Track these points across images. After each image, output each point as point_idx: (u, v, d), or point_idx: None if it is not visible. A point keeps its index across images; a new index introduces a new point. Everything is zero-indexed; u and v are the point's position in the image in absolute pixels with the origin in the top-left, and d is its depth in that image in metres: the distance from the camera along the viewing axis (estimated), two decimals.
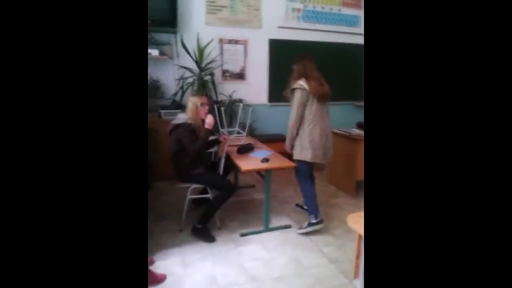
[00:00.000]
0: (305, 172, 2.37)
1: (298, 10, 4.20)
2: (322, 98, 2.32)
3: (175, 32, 3.59)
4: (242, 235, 2.35)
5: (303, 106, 2.29)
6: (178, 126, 2.25)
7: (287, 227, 2.50)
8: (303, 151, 2.33)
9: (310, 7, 4.24)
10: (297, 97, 2.29)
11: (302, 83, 2.31)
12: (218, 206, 2.32)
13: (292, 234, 2.40)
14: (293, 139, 2.38)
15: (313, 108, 2.30)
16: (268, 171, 2.36)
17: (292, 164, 2.45)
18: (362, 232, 1.26)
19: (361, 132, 3.24)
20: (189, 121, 2.25)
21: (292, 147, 2.40)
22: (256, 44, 4.08)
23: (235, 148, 2.66)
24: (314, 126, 2.31)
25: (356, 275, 1.44)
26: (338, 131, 3.33)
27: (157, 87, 3.61)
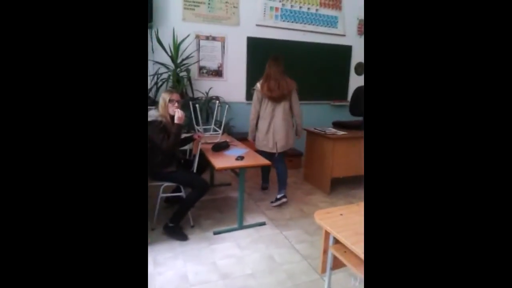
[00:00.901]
0: (266, 157, 2.63)
1: (276, 9, 4.22)
2: (273, 99, 2.78)
3: (150, 27, 3.51)
4: (216, 233, 2.33)
5: (259, 104, 2.84)
6: (149, 123, 2.20)
7: (262, 224, 2.51)
8: (257, 142, 2.94)
9: (288, 6, 4.26)
10: (254, 97, 2.89)
11: (258, 84, 2.83)
12: (192, 204, 2.29)
13: (266, 232, 2.41)
14: (253, 131, 2.95)
15: (265, 106, 2.82)
16: (242, 169, 2.36)
17: (267, 162, 2.46)
18: (328, 227, 1.28)
19: (336, 131, 3.30)
20: (160, 118, 2.21)
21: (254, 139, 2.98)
22: (234, 41, 4.06)
23: (210, 146, 2.63)
24: (265, 121, 2.83)
25: (323, 271, 1.46)
26: (314, 130, 3.38)
27: None
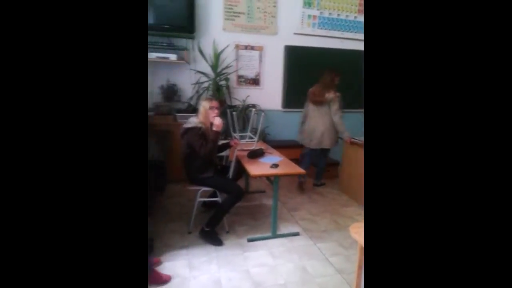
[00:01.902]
0: (306, 152, 3.44)
1: (314, 17, 4.20)
2: (313, 103, 3.29)
3: (192, 38, 3.68)
4: (250, 240, 2.35)
5: (306, 106, 3.41)
6: (189, 129, 2.30)
7: (295, 234, 2.48)
8: (299, 135, 3.53)
9: (326, 14, 4.23)
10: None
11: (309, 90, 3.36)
12: (227, 210, 2.34)
13: (299, 242, 2.38)
14: (299, 128, 3.52)
15: (307, 107, 3.37)
16: (276, 177, 2.36)
17: (301, 171, 2.44)
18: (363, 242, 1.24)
19: None
20: (199, 125, 2.29)
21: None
22: (272, 50, 4.11)
23: (246, 153, 2.68)
24: (305, 119, 3.39)
25: (357, 287, 1.41)
26: (351, 140, 3.29)
27: (174, 91, 3.70)
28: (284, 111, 4.30)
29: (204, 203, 2.74)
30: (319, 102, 3.22)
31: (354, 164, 3.27)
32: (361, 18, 4.39)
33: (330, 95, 3.16)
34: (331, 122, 3.21)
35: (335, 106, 3.17)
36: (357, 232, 1.31)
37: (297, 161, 3.15)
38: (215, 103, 2.38)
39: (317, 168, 3.59)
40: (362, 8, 4.36)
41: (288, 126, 4.31)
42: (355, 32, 4.40)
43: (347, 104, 4.35)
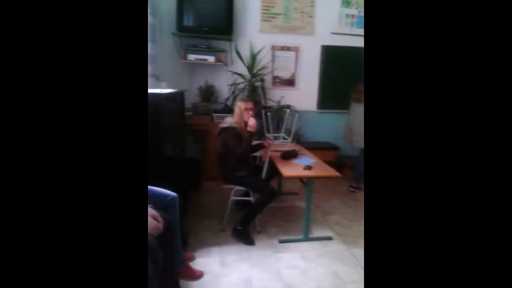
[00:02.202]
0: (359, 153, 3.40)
1: (353, 16, 4.09)
2: (355, 100, 3.38)
3: (230, 40, 3.75)
4: (281, 241, 2.35)
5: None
6: (224, 129, 2.35)
7: (328, 238, 2.43)
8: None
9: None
10: None
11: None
12: (259, 209, 2.35)
13: (332, 247, 2.33)
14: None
15: (350, 106, 3.49)
16: (310, 179, 2.33)
17: (336, 174, 2.38)
18: None
19: None
20: (235, 125, 2.33)
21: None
22: (308, 50, 4.06)
23: (279, 154, 2.67)
24: (348, 117, 3.53)
25: None
26: None
27: (211, 91, 3.80)
28: (319, 112, 4.23)
29: (237, 202, 2.78)
30: (360, 100, 3.26)
31: None
32: None
33: None
34: None
35: None
36: None
37: (331, 163, 3.07)
38: (250, 104, 2.41)
39: (354, 169, 3.52)
40: None
41: (323, 127, 4.24)
42: None
43: None
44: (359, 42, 4.12)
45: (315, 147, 3.66)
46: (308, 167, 2.40)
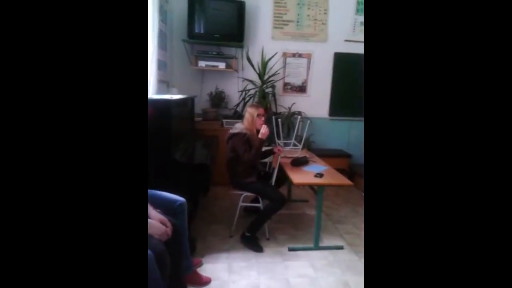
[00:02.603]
0: None
1: None
2: None
3: (241, 46, 3.77)
4: (290, 249, 2.30)
5: None
6: (234, 135, 2.34)
7: (339, 248, 2.37)
8: None
9: None
10: None
11: None
12: (268, 216, 2.32)
13: (343, 256, 2.26)
14: None
15: None
16: (320, 187, 2.29)
17: (348, 182, 2.33)
18: None
19: None
20: (245, 131, 2.32)
21: None
22: (320, 57, 4.04)
23: (290, 160, 2.64)
24: None
25: None
26: None
27: (222, 97, 3.82)
28: (331, 119, 4.18)
29: (246, 208, 2.75)
30: None
31: None
32: None
33: None
34: None
35: None
36: None
37: (343, 171, 3.02)
38: (261, 111, 2.40)
39: None
40: None
41: (334, 134, 4.19)
42: None
43: None
44: None
45: (327, 154, 3.61)
46: (319, 175, 2.36)
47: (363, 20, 4.04)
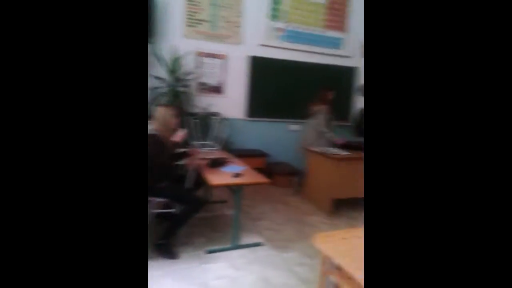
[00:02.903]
0: None
1: (281, 29, 4.27)
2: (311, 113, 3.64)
3: (152, 42, 3.53)
4: (209, 252, 2.20)
5: None
6: None
7: (258, 244, 2.37)
8: None
9: (292, 28, 4.32)
10: None
11: None
12: (184, 221, 2.18)
13: (263, 253, 2.27)
14: None
15: None
16: (239, 186, 2.26)
17: (265, 180, 2.36)
18: (328, 252, 1.17)
19: (339, 151, 3.22)
20: (155, 132, 2.14)
21: None
22: (236, 59, 4.08)
23: (207, 162, 2.55)
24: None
25: None
26: (316, 150, 3.30)
27: None
28: (248, 120, 4.25)
29: (158, 214, 2.54)
30: (312, 114, 3.63)
31: (318, 173, 3.27)
32: (328, 33, 4.53)
33: (315, 107, 3.61)
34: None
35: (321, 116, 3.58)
36: (322, 242, 1.24)
37: (261, 170, 3.07)
38: (176, 111, 2.25)
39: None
40: (329, 23, 4.52)
41: (252, 135, 4.26)
42: (322, 46, 4.52)
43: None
44: (288, 56, 4.31)
45: (245, 155, 3.63)
46: (237, 175, 2.33)
47: (277, 26, 4.23)
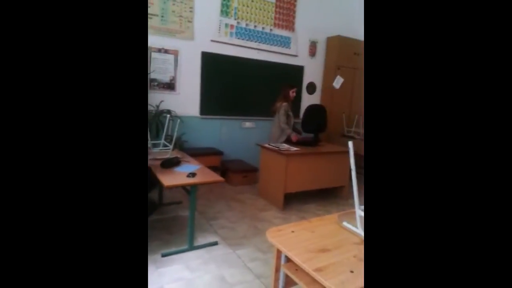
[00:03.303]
0: None
1: (231, 26, 4.27)
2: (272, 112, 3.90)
3: None
4: (164, 255, 2.18)
5: None
6: None
7: (213, 244, 2.41)
8: None
9: (243, 25, 4.35)
10: None
11: None
12: None
13: (218, 252, 2.31)
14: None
15: None
16: (193, 186, 2.26)
17: (220, 178, 2.39)
18: (280, 246, 1.25)
19: (289, 147, 3.36)
20: None
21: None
22: (188, 55, 4.00)
23: (160, 162, 2.50)
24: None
25: None
26: (268, 146, 3.41)
27: None
28: (202, 118, 4.21)
29: None
30: (274, 112, 3.82)
31: (271, 169, 3.38)
32: (276, 31, 4.64)
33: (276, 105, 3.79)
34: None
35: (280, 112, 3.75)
36: (273, 236, 1.32)
37: (216, 168, 3.09)
38: None
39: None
40: (278, 22, 4.63)
41: (206, 133, 4.24)
42: (271, 44, 4.63)
43: (257, 113, 4.55)
44: (239, 52, 4.34)
45: (199, 153, 3.62)
46: (192, 174, 2.32)
47: (228, 22, 4.23)
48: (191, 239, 2.29)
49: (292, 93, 3.78)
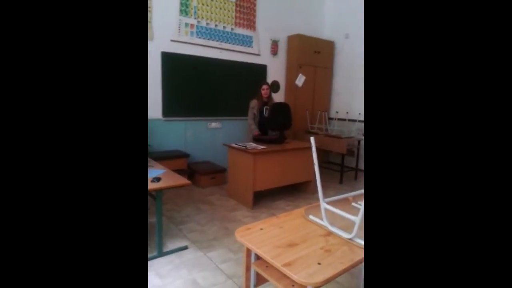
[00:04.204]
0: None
1: (192, 25, 4.20)
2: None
3: None
4: None
5: None
6: None
7: (183, 248, 2.36)
8: None
9: (203, 24, 4.29)
10: None
11: None
12: None
13: (188, 256, 2.27)
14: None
15: None
16: (159, 191, 2.20)
17: (186, 181, 2.35)
18: (249, 244, 1.26)
19: (256, 146, 3.38)
20: None
21: None
22: (149, 55, 3.86)
23: None
24: None
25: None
26: (234, 146, 3.40)
27: None
28: (166, 120, 4.10)
29: None
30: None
31: (239, 168, 3.38)
32: (238, 31, 4.63)
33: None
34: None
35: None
36: (242, 235, 1.32)
37: (182, 171, 3.02)
38: None
39: None
40: (239, 21, 4.62)
41: (170, 135, 4.14)
42: (233, 44, 4.62)
43: (222, 112, 4.52)
44: (200, 52, 4.27)
45: (164, 157, 3.52)
46: (156, 179, 2.25)
47: (188, 21, 4.15)
48: (160, 245, 2.22)
49: (261, 90, 3.84)
